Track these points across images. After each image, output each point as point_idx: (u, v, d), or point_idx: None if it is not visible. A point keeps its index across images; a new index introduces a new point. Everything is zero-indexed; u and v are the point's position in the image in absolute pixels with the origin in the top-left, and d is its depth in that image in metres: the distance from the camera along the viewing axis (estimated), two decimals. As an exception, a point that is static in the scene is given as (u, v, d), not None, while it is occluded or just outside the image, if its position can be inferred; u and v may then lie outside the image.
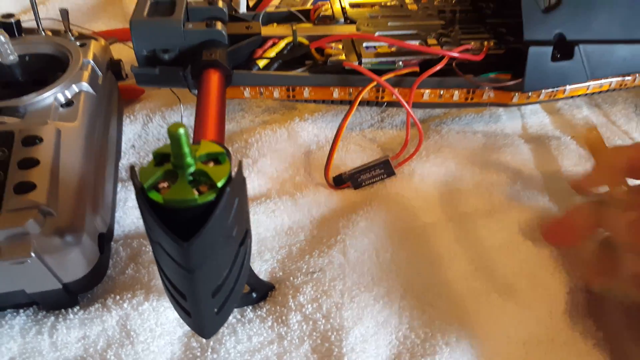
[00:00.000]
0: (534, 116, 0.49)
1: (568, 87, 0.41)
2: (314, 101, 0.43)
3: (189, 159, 0.22)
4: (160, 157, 0.24)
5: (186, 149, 0.22)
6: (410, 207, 0.40)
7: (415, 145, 0.43)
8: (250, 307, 0.34)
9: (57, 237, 0.30)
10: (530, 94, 0.41)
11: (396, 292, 0.35)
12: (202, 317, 0.26)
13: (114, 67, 0.42)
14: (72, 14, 0.63)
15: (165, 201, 0.22)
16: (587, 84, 0.42)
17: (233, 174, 0.23)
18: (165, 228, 0.22)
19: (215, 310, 0.26)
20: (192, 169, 0.22)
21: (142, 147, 0.46)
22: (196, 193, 0.22)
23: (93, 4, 0.65)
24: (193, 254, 0.22)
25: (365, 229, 0.38)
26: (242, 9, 0.47)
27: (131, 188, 0.41)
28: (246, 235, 0.27)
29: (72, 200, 0.31)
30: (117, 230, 0.39)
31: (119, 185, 0.42)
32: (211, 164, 0.24)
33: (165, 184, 0.23)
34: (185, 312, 0.26)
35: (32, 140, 0.32)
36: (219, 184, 0.22)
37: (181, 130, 0.21)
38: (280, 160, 0.45)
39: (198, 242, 0.22)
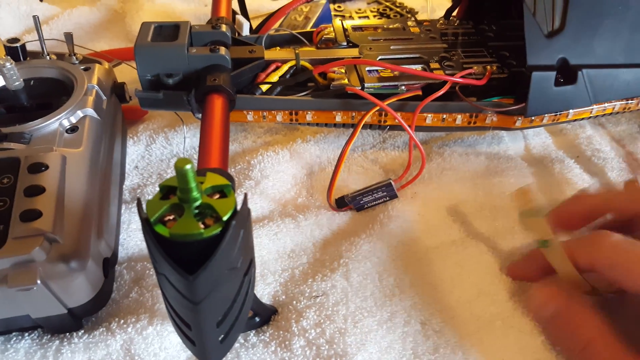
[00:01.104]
0: (537, 137, 0.49)
1: (571, 111, 0.41)
2: (317, 124, 0.43)
3: (195, 194, 0.22)
4: (166, 190, 0.24)
5: (192, 184, 0.22)
6: (413, 230, 0.40)
7: (417, 167, 0.43)
8: (254, 332, 0.34)
9: (63, 263, 0.30)
10: (533, 118, 0.42)
11: (400, 317, 0.35)
12: (207, 347, 0.26)
13: (117, 91, 0.42)
14: (75, 34, 0.63)
15: (172, 235, 0.22)
16: (591, 107, 0.42)
17: (238, 206, 0.24)
18: (172, 261, 0.22)
19: (220, 339, 0.26)
20: (198, 203, 0.23)
21: (145, 168, 0.46)
22: (202, 227, 0.22)
23: (95, 24, 0.66)
24: (198, 287, 0.23)
25: (368, 253, 0.38)
26: (245, 31, 0.47)
27: (135, 210, 0.42)
28: (251, 264, 0.27)
29: (78, 227, 0.31)
30: (121, 253, 0.39)
31: (123, 207, 0.42)
32: (217, 196, 0.24)
33: (171, 217, 0.23)
34: (190, 341, 0.26)
35: (38, 168, 0.32)
36: (225, 218, 0.23)
37: (188, 166, 0.21)
38: (282, 181, 0.45)
39: (203, 276, 0.22)
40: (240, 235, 0.24)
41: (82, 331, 0.34)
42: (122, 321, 0.34)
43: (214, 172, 0.29)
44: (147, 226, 0.22)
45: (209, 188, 0.24)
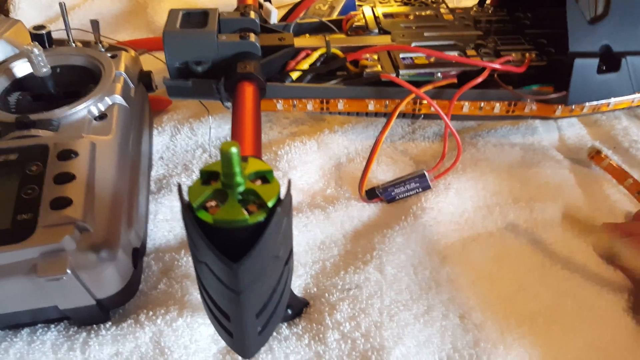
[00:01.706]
0: (571, 128, 0.48)
1: (613, 99, 0.40)
2: (348, 114, 0.42)
3: (239, 178, 0.21)
4: (207, 175, 0.23)
5: (238, 168, 0.21)
6: (448, 222, 0.39)
7: (449, 157, 0.42)
8: (286, 324, 0.33)
9: (93, 253, 0.29)
10: (573, 107, 0.40)
11: (437, 310, 0.34)
12: (245, 338, 0.25)
13: (144, 79, 0.41)
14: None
15: (216, 221, 0.21)
16: (633, 96, 0.40)
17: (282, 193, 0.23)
18: (215, 249, 0.21)
19: (259, 330, 0.26)
20: (241, 188, 0.22)
21: (170, 159, 0.45)
22: (246, 213, 0.21)
23: (117, 14, 0.65)
24: (242, 275, 0.21)
25: (401, 245, 0.37)
26: (273, 19, 0.46)
27: (162, 201, 0.41)
28: (290, 253, 0.26)
29: (108, 215, 0.30)
30: (148, 244, 0.38)
31: (149, 198, 0.41)
32: (259, 182, 0.23)
33: (213, 203, 0.22)
34: (227, 333, 0.25)
35: (68, 155, 0.31)
36: (269, 204, 0.21)
37: (234, 149, 0.20)
38: (310, 172, 0.44)
39: (247, 264, 0.21)
40: (283, 222, 0.23)
41: (110, 323, 0.33)
42: (151, 313, 0.33)
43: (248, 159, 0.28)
44: (190, 212, 0.21)
45: (252, 174, 0.23)
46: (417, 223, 0.39)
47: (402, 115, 0.42)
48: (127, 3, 0.67)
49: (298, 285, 0.36)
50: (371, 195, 0.41)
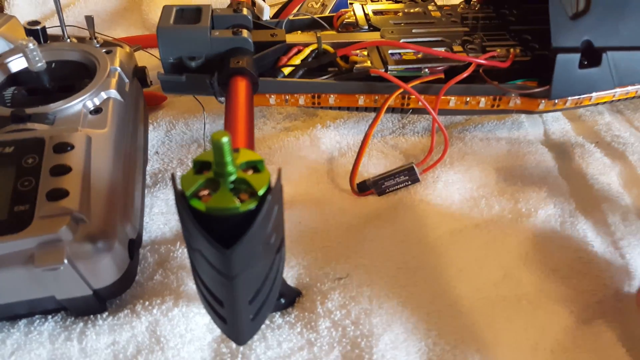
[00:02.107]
0: (556, 123, 0.49)
1: (594, 94, 0.41)
2: (339, 108, 0.43)
3: (231, 167, 0.22)
4: (200, 165, 0.24)
5: (229, 158, 0.22)
6: (436, 214, 0.40)
7: (438, 151, 0.43)
8: (279, 313, 0.34)
9: (90, 243, 0.30)
10: (556, 101, 0.41)
11: (424, 298, 0.35)
12: (238, 324, 0.26)
13: (139, 74, 0.42)
14: (92, 21, 0.64)
15: (208, 209, 0.22)
16: (614, 91, 0.42)
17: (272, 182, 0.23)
18: (208, 236, 0.22)
19: (251, 316, 0.26)
20: (233, 177, 0.23)
21: (165, 154, 0.46)
22: (237, 201, 0.22)
23: (111, 11, 0.66)
24: (234, 261, 0.22)
25: (391, 236, 0.38)
26: (266, 16, 0.47)
27: (158, 194, 0.42)
28: (282, 242, 0.27)
29: (104, 207, 0.31)
30: (144, 237, 0.39)
31: (145, 191, 0.42)
32: (250, 172, 0.24)
33: (206, 192, 0.23)
34: (221, 319, 0.26)
35: (64, 147, 0.32)
36: (260, 192, 0.22)
37: (225, 139, 0.21)
38: (303, 167, 0.45)
39: (239, 250, 0.22)
40: (274, 210, 0.24)
41: (107, 313, 0.34)
42: (147, 303, 0.34)
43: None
44: (183, 200, 0.22)
45: (243, 163, 0.24)
46: (406, 215, 0.40)
47: (391, 109, 0.43)
48: (122, 0, 0.67)
49: (291, 275, 0.37)
50: (362, 188, 0.42)
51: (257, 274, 0.25)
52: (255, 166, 0.24)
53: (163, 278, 0.36)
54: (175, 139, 0.47)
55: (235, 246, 0.22)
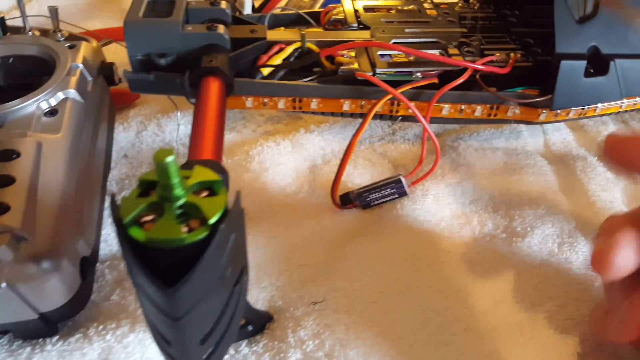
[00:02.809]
0: (557, 133, 0.46)
1: (600, 105, 0.38)
2: (322, 113, 0.40)
3: (178, 191, 0.19)
4: (146, 185, 0.20)
5: (175, 180, 0.19)
6: (423, 231, 0.37)
7: (429, 162, 0.40)
8: (246, 342, 0.31)
9: (33, 264, 0.26)
10: (558, 111, 0.38)
11: (407, 327, 0.31)
12: (191, 365, 0.23)
13: (105, 71, 0.39)
14: (68, 12, 0.60)
15: (148, 240, 0.18)
16: (621, 102, 0.38)
17: (230, 205, 0.20)
18: (147, 271, 0.18)
19: (205, 357, 0.23)
20: (181, 202, 0.19)
21: (135, 157, 0.43)
22: (185, 230, 0.19)
23: (90, 1, 0.62)
24: (179, 300, 0.19)
25: (374, 256, 0.35)
26: (247, 10, 0.43)
27: (121, 203, 0.38)
28: (242, 272, 0.23)
29: (51, 223, 0.28)
30: (104, 250, 0.36)
31: (108, 199, 0.39)
32: (204, 194, 0.21)
33: (150, 217, 0.19)
34: (171, 358, 0.23)
35: (9, 155, 0.28)
36: (211, 221, 0.19)
37: (169, 159, 0.18)
38: (283, 175, 0.41)
39: (185, 288, 0.19)
40: (230, 240, 0.20)
41: (57, 337, 0.31)
42: (101, 327, 0.31)
43: (205, 164, 0.26)
44: (120, 228, 0.19)
45: (195, 184, 0.20)
46: (391, 232, 0.37)
47: (379, 116, 0.40)
48: (100, -11, 0.64)
49: (263, 297, 0.33)
50: (345, 200, 0.39)
51: (210, 312, 0.22)
52: (212, 187, 0.21)
53: (120, 299, 0.33)
54: (146, 141, 0.44)
55: (179, 284, 0.18)
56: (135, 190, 0.20)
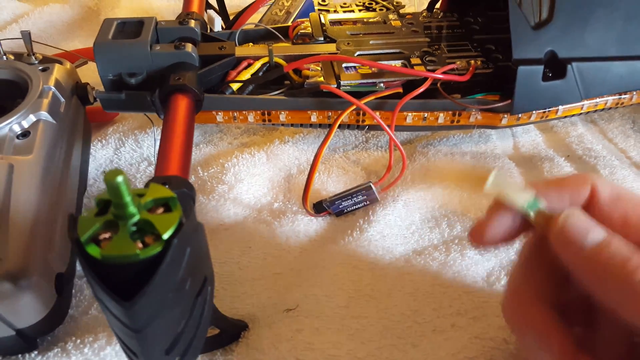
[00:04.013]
0: (526, 135, 0.47)
1: (561, 107, 0.39)
2: (291, 125, 0.40)
3: (132, 209, 0.20)
4: (103, 204, 0.21)
5: (127, 198, 0.20)
6: (393, 235, 0.38)
7: (399, 168, 0.41)
8: (220, 351, 0.32)
9: (6, 282, 0.27)
10: (520, 115, 0.39)
11: (376, 330, 0.32)
12: (158, 375, 0.24)
13: (80, 92, 0.40)
14: (48, 33, 0.61)
15: (103, 257, 0.19)
16: (582, 103, 0.39)
17: (184, 219, 0.21)
18: (105, 287, 0.19)
19: (172, 366, 0.24)
20: (135, 219, 0.20)
21: (113, 174, 0.43)
22: (140, 246, 0.20)
23: (68, 22, 0.63)
24: (138, 313, 0.20)
25: (344, 261, 0.36)
26: (217, 27, 0.44)
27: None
28: (205, 283, 0.24)
29: (24, 241, 0.29)
30: (82, 266, 0.36)
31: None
32: (160, 210, 0.22)
33: (107, 235, 0.20)
34: (140, 369, 0.24)
35: (-20, 178, 0.29)
36: (165, 236, 0.20)
37: (119, 178, 0.19)
38: (258, 185, 0.42)
39: (142, 302, 0.19)
40: (185, 253, 0.21)
41: (36, 352, 0.31)
42: (79, 341, 0.31)
43: (170, 180, 0.27)
44: (77, 246, 0.20)
45: (150, 202, 0.21)
46: (363, 237, 0.37)
47: (347, 126, 0.41)
48: (79, 10, 0.65)
49: (237, 306, 0.34)
50: (319, 208, 0.40)
51: (172, 323, 0.22)
52: (167, 204, 0.22)
53: (98, 312, 0.33)
54: (124, 157, 0.45)
55: (136, 298, 0.19)
56: (92, 209, 0.21)
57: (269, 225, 0.39)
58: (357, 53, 0.41)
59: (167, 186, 0.26)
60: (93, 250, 0.20)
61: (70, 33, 0.62)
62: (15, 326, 0.29)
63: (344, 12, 0.66)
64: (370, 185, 0.39)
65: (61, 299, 0.31)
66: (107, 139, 0.46)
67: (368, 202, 0.39)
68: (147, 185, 0.26)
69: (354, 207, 0.40)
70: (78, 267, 0.36)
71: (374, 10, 0.67)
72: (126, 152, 0.45)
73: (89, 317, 0.34)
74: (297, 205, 0.41)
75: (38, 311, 0.29)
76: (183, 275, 0.21)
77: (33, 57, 0.40)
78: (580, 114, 0.41)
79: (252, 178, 0.43)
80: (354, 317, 0.33)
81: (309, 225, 0.39)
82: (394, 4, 0.67)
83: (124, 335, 0.22)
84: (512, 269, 0.27)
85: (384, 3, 0.68)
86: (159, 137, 0.46)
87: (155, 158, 0.44)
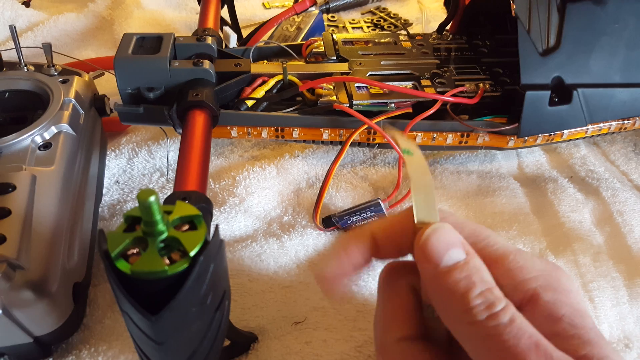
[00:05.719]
0: (531, 155, 0.48)
1: (566, 131, 0.40)
2: (304, 141, 0.41)
3: (161, 227, 0.21)
4: (131, 220, 0.22)
5: (157, 217, 0.21)
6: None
7: (407, 185, 0.42)
8: (231, 362, 0.33)
9: (28, 291, 0.28)
10: (526, 138, 0.40)
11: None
12: (175, 385, 0.25)
13: (97, 104, 0.41)
14: (62, 42, 0.62)
15: (133, 272, 0.20)
16: (586, 127, 0.41)
17: (210, 237, 0.22)
18: (133, 301, 0.20)
19: (189, 378, 0.25)
20: (163, 236, 0.21)
21: (126, 183, 0.45)
22: (167, 262, 0.21)
23: (82, 31, 0.64)
24: (162, 327, 0.21)
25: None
26: (232, 43, 0.45)
27: (113, 228, 0.40)
28: (223, 297, 0.25)
29: (45, 251, 0.30)
30: (97, 275, 0.37)
31: (101, 224, 0.40)
32: (186, 227, 0.23)
33: (135, 250, 0.21)
34: (158, 379, 0.25)
35: (5, 189, 0.30)
36: (192, 252, 0.21)
37: (152, 198, 0.20)
38: (268, 198, 0.43)
39: (167, 316, 0.20)
40: (209, 270, 0.22)
41: (51, 359, 0.32)
42: (93, 349, 0.32)
43: (189, 195, 0.28)
44: (108, 261, 0.21)
45: (177, 219, 0.22)
46: (370, 254, 0.38)
47: (357, 144, 0.42)
48: (93, 19, 0.66)
49: (247, 317, 0.35)
50: (328, 223, 0.41)
51: (192, 336, 0.23)
52: (192, 221, 0.23)
53: (113, 322, 0.34)
54: (137, 167, 0.46)
55: (162, 312, 0.20)
56: (121, 225, 0.22)
57: (279, 238, 0.40)
58: (369, 73, 0.42)
59: (187, 201, 0.27)
60: (123, 266, 0.21)
61: (84, 42, 0.63)
62: (34, 334, 0.30)
63: (353, 28, 0.68)
64: (379, 202, 0.40)
65: (77, 307, 0.32)
66: (121, 149, 0.47)
67: (376, 218, 0.40)
68: (167, 200, 0.27)
69: (362, 222, 0.40)
70: (93, 276, 0.37)
71: (382, 27, 0.68)
72: (139, 163, 0.46)
73: (103, 325, 0.34)
74: (306, 219, 0.42)
75: (56, 319, 0.30)
76: (206, 290, 0.22)
77: (53, 69, 0.41)
78: (585, 137, 0.42)
79: (262, 191, 0.43)
80: (361, 329, 0.34)
81: (318, 240, 0.40)
82: (402, 22, 0.69)
83: (146, 346, 0.23)
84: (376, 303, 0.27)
85: (392, 20, 0.70)
86: (172, 149, 0.47)
87: (168, 169, 0.46)
